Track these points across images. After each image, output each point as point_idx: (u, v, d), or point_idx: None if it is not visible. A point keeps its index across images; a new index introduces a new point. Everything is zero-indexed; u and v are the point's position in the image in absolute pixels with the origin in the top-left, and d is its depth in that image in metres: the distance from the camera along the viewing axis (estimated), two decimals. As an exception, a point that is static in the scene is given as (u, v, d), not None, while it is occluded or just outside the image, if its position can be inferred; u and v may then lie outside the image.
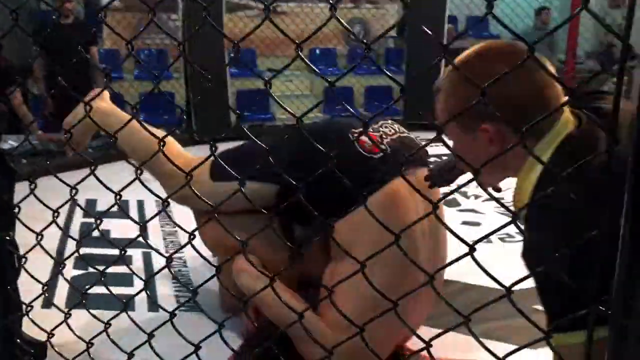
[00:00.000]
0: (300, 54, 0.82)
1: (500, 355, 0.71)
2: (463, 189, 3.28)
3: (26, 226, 0.95)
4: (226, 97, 4.62)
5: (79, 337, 1.03)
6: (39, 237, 0.95)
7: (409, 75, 5.25)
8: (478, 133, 0.94)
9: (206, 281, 1.03)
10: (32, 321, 1.01)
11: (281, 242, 1.10)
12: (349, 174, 0.90)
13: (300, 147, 1.50)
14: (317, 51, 7.17)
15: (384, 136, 1.60)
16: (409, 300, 0.91)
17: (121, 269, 1.41)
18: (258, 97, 5.98)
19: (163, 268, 1.06)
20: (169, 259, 1.02)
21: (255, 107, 6.06)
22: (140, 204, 2.94)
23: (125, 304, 1.04)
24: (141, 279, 1.08)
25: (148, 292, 1.67)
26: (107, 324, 1.01)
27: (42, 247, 0.96)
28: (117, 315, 1.03)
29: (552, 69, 0.85)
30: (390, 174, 1.46)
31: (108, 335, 1.00)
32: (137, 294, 1.14)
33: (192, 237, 0.97)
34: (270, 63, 6.63)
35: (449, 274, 1.68)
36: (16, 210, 0.96)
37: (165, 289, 2.05)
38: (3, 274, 0.98)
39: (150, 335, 0.99)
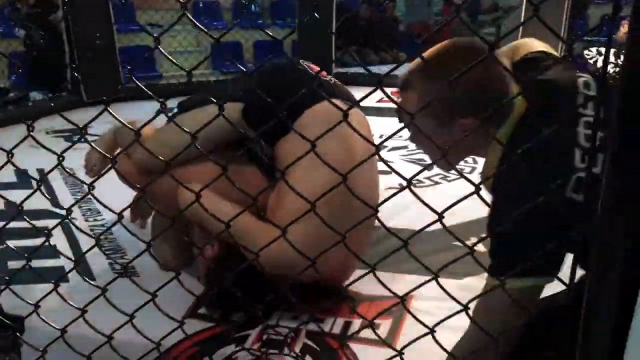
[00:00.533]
0: (186, 13, 0.83)
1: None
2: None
3: None
4: (115, 55, 4.34)
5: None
6: None
7: (300, 28, 5.25)
8: (455, 126, 1.04)
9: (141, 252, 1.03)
10: (16, 295, 0.96)
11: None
12: (301, 85, 1.06)
13: (259, 76, 1.67)
14: (201, 4, 6.91)
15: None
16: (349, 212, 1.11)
17: (40, 240, 1.27)
18: (144, 54, 5.69)
19: (91, 248, 1.03)
20: (97, 239, 0.99)
21: (140, 65, 5.78)
22: (42, 173, 2.74)
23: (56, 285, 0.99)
24: (70, 259, 1.05)
25: (79, 270, 1.63)
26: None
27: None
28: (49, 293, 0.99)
29: (506, 62, 1.08)
30: (335, 95, 1.64)
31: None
32: (69, 271, 1.09)
33: (120, 216, 0.95)
34: (149, 17, 6.31)
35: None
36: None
37: (97, 258, 1.97)
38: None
39: (84, 311, 0.97)
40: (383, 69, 5.52)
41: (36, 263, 1.50)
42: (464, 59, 0.92)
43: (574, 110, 1.03)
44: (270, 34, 0.92)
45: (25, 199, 1.02)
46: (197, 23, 0.93)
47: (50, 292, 0.99)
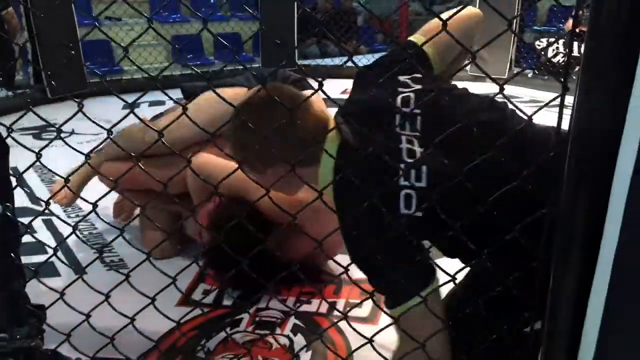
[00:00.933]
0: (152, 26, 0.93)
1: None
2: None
3: None
4: (79, 50, 4.30)
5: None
6: None
7: (263, 21, 5.31)
8: (271, 175, 1.11)
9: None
10: (41, 282, 1.04)
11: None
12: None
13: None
14: (158, -4, 6.84)
15: None
16: None
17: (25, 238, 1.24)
18: (104, 48, 5.63)
19: (69, 235, 1.10)
20: (75, 227, 1.05)
21: (100, 59, 5.71)
22: (15, 171, 2.75)
23: (35, 272, 1.04)
24: (53, 247, 1.10)
25: (65, 260, 1.70)
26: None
27: None
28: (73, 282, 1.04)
29: (321, 106, 1.15)
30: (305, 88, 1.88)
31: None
32: (49, 257, 1.14)
33: (95, 206, 1.04)
34: (108, 11, 6.22)
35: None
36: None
37: (86, 254, 2.03)
38: (7, 244, 0.99)
39: (107, 296, 1.05)
40: (344, 60, 5.59)
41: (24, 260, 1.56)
42: (271, 113, 1.04)
43: (393, 130, 1.08)
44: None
45: (22, 173, 1.04)
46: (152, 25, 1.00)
47: (74, 281, 1.07)
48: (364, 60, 5.63)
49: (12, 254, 0.99)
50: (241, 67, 5.40)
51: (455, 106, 1.12)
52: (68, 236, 1.13)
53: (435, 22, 1.27)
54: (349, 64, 0.93)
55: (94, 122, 1.04)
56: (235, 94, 1.79)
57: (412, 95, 1.13)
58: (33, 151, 1.02)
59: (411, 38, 1.31)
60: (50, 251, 1.09)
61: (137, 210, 2.27)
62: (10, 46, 4.27)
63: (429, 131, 1.07)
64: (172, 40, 6.45)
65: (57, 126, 0.99)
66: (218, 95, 0.98)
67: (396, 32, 6.97)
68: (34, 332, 1.05)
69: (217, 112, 1.62)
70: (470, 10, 1.35)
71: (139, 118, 1.11)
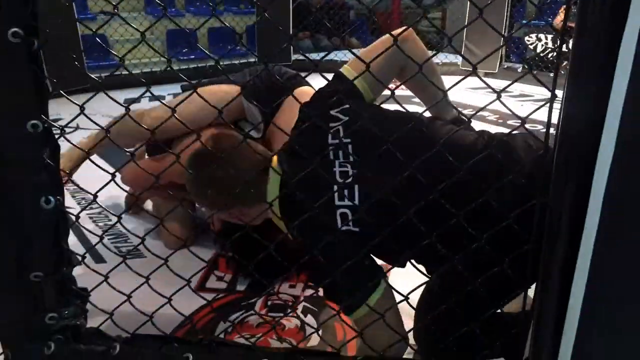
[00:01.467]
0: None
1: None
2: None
3: None
4: (79, 45, 4.38)
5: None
6: None
7: (259, 15, 5.41)
8: (228, 217, 1.36)
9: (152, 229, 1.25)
10: (88, 267, 1.16)
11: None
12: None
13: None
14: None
15: None
16: None
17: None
18: (99, 43, 5.68)
19: (98, 243, 1.26)
20: (101, 237, 1.19)
21: (96, 53, 5.77)
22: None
23: (83, 257, 1.16)
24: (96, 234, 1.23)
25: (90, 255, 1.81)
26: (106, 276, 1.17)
27: None
28: (118, 265, 1.17)
29: (259, 148, 1.37)
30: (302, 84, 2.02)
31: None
32: (94, 246, 1.29)
33: (95, 197, 1.13)
34: (100, 6, 6.28)
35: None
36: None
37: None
38: (59, 233, 1.10)
39: (147, 278, 1.17)
40: (338, 55, 5.72)
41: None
42: (210, 168, 1.27)
43: (327, 160, 1.24)
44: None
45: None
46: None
47: (119, 264, 1.19)
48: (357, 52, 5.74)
49: (62, 243, 1.11)
50: (237, 61, 5.52)
51: (380, 128, 1.19)
52: (97, 243, 1.26)
53: (363, 53, 1.43)
54: (344, 58, 1.05)
55: (94, 121, 1.16)
56: (227, 91, 1.90)
57: (340, 127, 1.28)
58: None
59: (342, 70, 1.43)
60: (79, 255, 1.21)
61: (149, 203, 2.40)
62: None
63: (360, 155, 1.23)
64: (167, 34, 6.53)
65: (61, 126, 1.10)
66: (193, 95, 1.11)
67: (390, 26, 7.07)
68: (79, 312, 1.17)
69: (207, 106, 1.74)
70: (400, 36, 1.47)
71: (134, 119, 1.24)
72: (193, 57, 6.48)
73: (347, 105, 1.31)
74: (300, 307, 1.73)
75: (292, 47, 5.34)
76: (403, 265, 1.29)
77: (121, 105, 1.13)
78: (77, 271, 1.17)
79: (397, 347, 1.16)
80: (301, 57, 5.47)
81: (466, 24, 0.99)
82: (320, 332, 1.52)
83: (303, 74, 2.08)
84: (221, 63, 1.16)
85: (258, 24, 5.36)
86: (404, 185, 1.05)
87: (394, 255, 1.24)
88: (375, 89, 1.40)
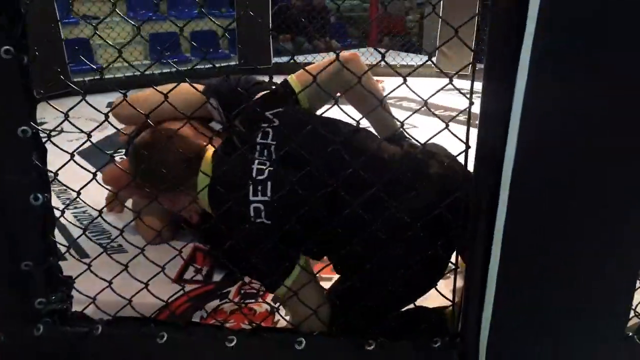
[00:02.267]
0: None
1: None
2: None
3: None
4: (62, 49, 4.49)
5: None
6: None
7: (239, 18, 5.52)
8: (163, 202, 1.45)
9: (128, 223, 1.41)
10: (73, 256, 1.30)
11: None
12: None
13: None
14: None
15: None
16: None
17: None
18: (82, 47, 5.79)
19: (80, 236, 1.38)
20: (85, 230, 1.37)
21: (80, 57, 5.87)
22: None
23: (68, 248, 1.34)
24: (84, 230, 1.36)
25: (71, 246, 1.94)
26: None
27: None
28: (99, 255, 1.32)
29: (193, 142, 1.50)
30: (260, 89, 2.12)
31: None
32: (66, 251, 1.35)
33: (78, 194, 1.27)
34: (86, 9, 6.36)
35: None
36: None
37: (85, 239, 2.27)
38: (46, 227, 1.24)
39: (126, 266, 1.30)
40: (317, 57, 5.84)
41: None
42: (148, 155, 1.47)
43: (249, 157, 1.41)
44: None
45: (61, 167, 1.27)
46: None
47: (100, 254, 1.33)
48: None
49: (49, 236, 1.25)
50: (217, 65, 5.64)
51: (304, 133, 1.37)
52: (79, 237, 1.40)
53: (311, 68, 1.56)
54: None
55: (77, 127, 1.29)
56: (193, 91, 1.91)
57: (270, 130, 1.46)
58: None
59: (287, 78, 1.62)
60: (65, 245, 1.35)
61: (129, 202, 2.52)
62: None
63: (278, 155, 1.41)
64: (150, 38, 6.64)
65: (47, 131, 1.24)
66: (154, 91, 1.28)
67: (367, 28, 7.24)
68: (65, 297, 1.31)
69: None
70: (344, 56, 1.65)
71: (116, 128, 1.41)
72: (176, 60, 6.56)
73: (281, 109, 1.49)
74: (270, 295, 1.87)
75: (272, 50, 5.46)
76: (318, 258, 1.52)
77: (99, 111, 1.26)
78: (62, 265, 1.32)
79: (320, 311, 1.36)
80: (281, 60, 5.60)
81: (439, 36, 1.14)
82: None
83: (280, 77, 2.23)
84: (202, 66, 1.31)
85: (238, 27, 5.47)
86: (313, 184, 1.29)
87: (305, 247, 1.40)
88: (313, 100, 1.59)
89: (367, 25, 7.24)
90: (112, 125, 1.47)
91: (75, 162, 1.44)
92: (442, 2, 5.07)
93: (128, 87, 2.27)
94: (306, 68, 1.46)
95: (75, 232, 2.30)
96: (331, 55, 1.29)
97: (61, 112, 1.23)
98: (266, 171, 1.37)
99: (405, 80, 1.14)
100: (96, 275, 1.31)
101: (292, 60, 1.47)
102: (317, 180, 1.30)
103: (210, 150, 1.48)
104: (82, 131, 1.38)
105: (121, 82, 4.92)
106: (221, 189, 1.34)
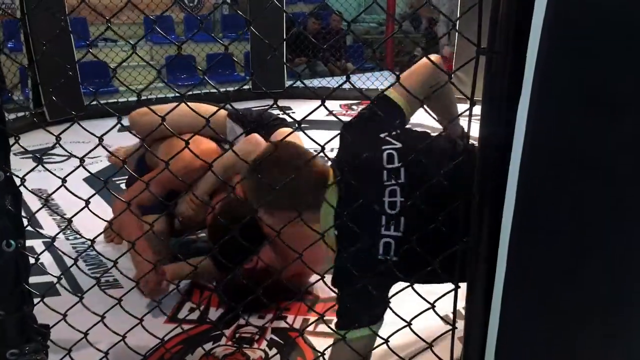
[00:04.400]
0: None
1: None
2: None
3: None
4: (76, 73, 4.50)
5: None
6: None
7: (253, 42, 5.51)
8: (280, 220, 1.36)
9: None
10: (47, 306, 1.24)
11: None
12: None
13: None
14: (153, 18, 7.05)
15: None
16: None
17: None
18: (100, 70, 5.83)
19: (71, 266, 1.39)
20: (76, 260, 1.31)
21: (97, 80, 5.92)
22: (18, 194, 2.94)
23: (42, 297, 1.27)
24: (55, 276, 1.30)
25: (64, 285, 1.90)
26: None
27: None
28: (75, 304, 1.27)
29: (314, 162, 1.38)
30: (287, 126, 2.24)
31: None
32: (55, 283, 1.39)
33: (70, 221, 1.29)
34: (100, 32, 6.42)
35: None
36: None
37: (81, 273, 2.21)
38: (19, 274, 1.18)
39: (103, 317, 1.26)
40: (332, 82, 5.79)
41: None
42: (275, 170, 1.31)
43: (380, 185, 1.31)
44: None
45: (36, 212, 1.25)
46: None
47: (76, 304, 1.26)
48: (353, 78, 5.79)
49: (23, 283, 1.18)
50: (232, 89, 5.62)
51: (429, 157, 1.30)
52: (70, 267, 1.35)
53: (405, 76, 1.51)
54: (340, 84, 1.13)
55: (70, 153, 1.24)
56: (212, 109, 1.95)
57: (394, 153, 1.35)
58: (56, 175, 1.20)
59: (386, 93, 1.50)
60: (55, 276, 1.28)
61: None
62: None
63: (409, 183, 1.30)
64: (166, 60, 6.67)
65: (21, 177, 1.18)
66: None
67: (383, 52, 7.19)
68: (40, 347, 1.24)
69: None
70: (425, 60, 1.55)
71: (108, 150, 1.35)
72: (192, 82, 6.56)
73: (398, 132, 1.41)
74: (266, 340, 1.78)
75: (285, 73, 5.43)
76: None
77: (95, 136, 1.20)
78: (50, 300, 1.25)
79: None
80: (295, 84, 5.54)
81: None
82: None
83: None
84: (219, 90, 1.26)
85: (253, 50, 5.45)
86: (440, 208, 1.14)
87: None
88: (413, 109, 1.51)
89: (382, 48, 7.18)
90: (104, 147, 1.37)
91: (66, 187, 1.35)
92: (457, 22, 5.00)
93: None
94: (402, 76, 1.44)
95: (75, 268, 2.23)
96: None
97: (54, 134, 1.19)
98: (398, 203, 1.27)
99: (422, 104, 1.18)
100: (70, 326, 1.24)
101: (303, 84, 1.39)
102: (441, 201, 1.14)
103: (331, 172, 1.39)
104: (73, 155, 1.31)
105: (134, 105, 4.89)
106: (349, 220, 1.22)
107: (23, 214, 1.23)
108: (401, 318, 1.21)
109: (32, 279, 2.08)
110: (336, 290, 1.31)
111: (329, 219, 1.31)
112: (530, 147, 0.84)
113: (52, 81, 4.14)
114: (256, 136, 2.02)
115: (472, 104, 0.98)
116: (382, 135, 1.40)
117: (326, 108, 1.10)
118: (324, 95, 1.13)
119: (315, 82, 5.89)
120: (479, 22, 0.93)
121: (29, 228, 2.50)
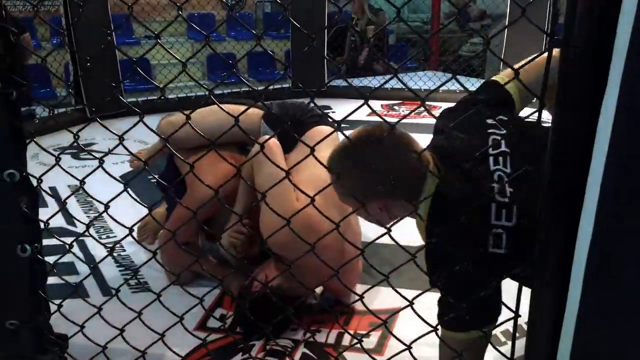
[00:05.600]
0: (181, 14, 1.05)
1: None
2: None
3: None
4: (117, 70, 4.50)
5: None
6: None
7: (294, 40, 5.43)
8: (369, 207, 1.22)
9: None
10: (64, 317, 1.15)
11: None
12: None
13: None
14: (196, 15, 7.07)
15: None
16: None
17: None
18: (140, 67, 5.84)
19: (104, 258, 1.29)
20: (112, 249, 1.22)
21: (138, 77, 5.93)
22: (54, 191, 2.92)
23: (59, 306, 1.18)
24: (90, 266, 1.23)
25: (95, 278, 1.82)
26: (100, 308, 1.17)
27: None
28: (64, 299, 1.18)
29: (417, 146, 1.22)
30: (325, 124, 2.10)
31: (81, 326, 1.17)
32: (83, 279, 1.30)
33: (131, 230, 1.21)
34: (144, 30, 6.45)
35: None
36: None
37: (111, 273, 2.15)
38: (34, 280, 1.10)
39: (122, 330, 1.17)
40: (373, 82, 5.64)
41: (53, 280, 1.66)
42: (375, 152, 1.17)
43: (486, 171, 1.17)
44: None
45: (52, 216, 1.15)
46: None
47: (94, 315, 1.17)
48: (393, 80, 5.63)
49: (39, 290, 1.10)
50: (272, 87, 5.55)
51: (533, 146, 1.16)
52: (103, 259, 1.31)
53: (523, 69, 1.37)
54: (379, 84, 1.02)
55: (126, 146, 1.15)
56: (247, 112, 1.80)
57: (501, 139, 1.22)
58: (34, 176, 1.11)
59: (495, 78, 1.41)
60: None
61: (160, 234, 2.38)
62: (26, 69, 4.47)
63: (515, 171, 1.17)
64: (208, 58, 6.65)
65: (38, 177, 1.09)
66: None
67: (428, 52, 6.99)
68: (56, 359, 1.16)
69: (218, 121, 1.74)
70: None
71: (130, 152, 1.28)
72: (233, 80, 6.52)
73: (504, 117, 1.28)
74: (298, 354, 1.67)
75: (326, 72, 5.32)
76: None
77: (116, 134, 1.11)
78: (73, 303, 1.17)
79: None
80: (335, 83, 5.43)
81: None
82: None
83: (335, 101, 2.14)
84: (257, 88, 1.16)
85: (293, 49, 5.36)
86: None
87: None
88: (524, 101, 1.38)
89: (427, 47, 6.97)
90: (125, 148, 1.28)
91: (83, 189, 1.27)
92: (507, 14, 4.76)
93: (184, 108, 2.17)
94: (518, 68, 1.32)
95: (105, 267, 2.17)
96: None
97: (115, 133, 1.13)
98: (507, 191, 1.14)
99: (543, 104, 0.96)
100: (107, 322, 1.16)
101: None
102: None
103: (431, 158, 1.27)
104: (94, 157, 1.23)
105: (175, 102, 4.87)
106: (452, 205, 1.13)
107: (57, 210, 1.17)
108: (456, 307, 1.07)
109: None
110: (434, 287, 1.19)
111: (426, 207, 1.20)
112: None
113: (92, 78, 4.15)
114: (270, 143, 1.84)
115: (542, 105, 0.84)
116: (488, 121, 1.28)
117: (370, 107, 0.98)
118: (364, 93, 1.00)
119: (356, 81, 5.75)
120: (553, 10, 0.79)
121: (63, 225, 2.55)
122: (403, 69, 6.11)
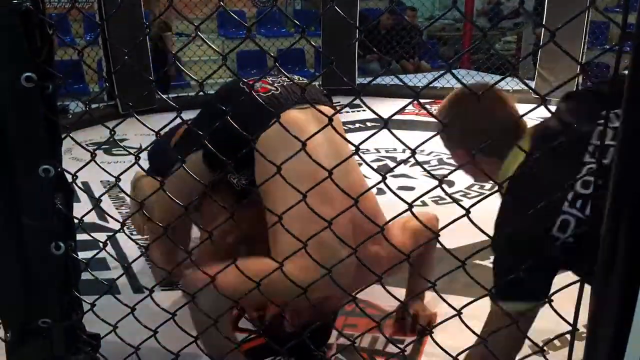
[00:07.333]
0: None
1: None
2: (391, 154, 3.56)
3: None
4: (149, 66, 4.52)
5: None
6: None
7: (324, 37, 5.37)
8: (453, 154, 1.41)
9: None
10: (97, 316, 1.13)
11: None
12: (248, 116, 1.39)
13: (209, 109, 1.72)
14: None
15: (275, 82, 1.68)
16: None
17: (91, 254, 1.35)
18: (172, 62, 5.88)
19: (137, 258, 1.31)
20: (146, 249, 1.20)
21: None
22: (86, 186, 2.93)
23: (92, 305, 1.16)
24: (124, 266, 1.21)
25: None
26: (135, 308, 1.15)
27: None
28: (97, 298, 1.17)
29: (514, 105, 1.31)
30: (285, 107, 1.58)
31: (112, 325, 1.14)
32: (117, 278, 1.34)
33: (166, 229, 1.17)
34: (175, 27, 6.49)
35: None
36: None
37: (141, 267, 2.15)
38: (68, 279, 1.08)
39: (155, 332, 1.15)
40: (405, 79, 5.55)
41: (83, 275, 1.63)
42: (470, 106, 1.27)
43: (579, 159, 1.16)
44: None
45: (86, 213, 1.13)
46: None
47: (127, 315, 1.15)
48: (427, 77, 5.59)
49: (72, 289, 1.08)
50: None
51: None
52: (136, 259, 1.31)
53: None
54: (410, 82, 0.98)
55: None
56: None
57: (610, 132, 1.17)
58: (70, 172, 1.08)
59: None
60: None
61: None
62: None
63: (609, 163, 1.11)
64: (238, 55, 6.66)
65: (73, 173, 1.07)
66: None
67: (459, 50, 6.87)
68: (89, 359, 1.14)
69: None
70: None
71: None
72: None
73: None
74: (332, 357, 1.63)
75: (356, 70, 5.26)
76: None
77: (153, 130, 1.08)
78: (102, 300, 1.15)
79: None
80: (365, 81, 5.37)
81: (534, 49, 0.87)
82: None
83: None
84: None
85: (323, 46, 5.31)
86: None
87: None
88: None
89: (459, 46, 6.86)
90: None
91: (119, 186, 1.23)
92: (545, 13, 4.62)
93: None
94: None
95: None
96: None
97: (149, 128, 1.09)
98: (591, 186, 1.14)
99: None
100: (140, 322, 1.13)
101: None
102: None
103: (528, 127, 1.32)
104: (130, 153, 1.20)
105: (203, 98, 4.87)
106: (539, 181, 1.14)
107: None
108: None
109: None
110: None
111: (510, 171, 1.24)
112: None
113: (125, 74, 4.17)
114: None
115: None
116: (603, 113, 1.21)
117: (421, 104, 0.93)
118: (394, 92, 0.96)
119: (387, 79, 5.67)
120: (625, 3, 0.73)
121: (95, 221, 2.55)
122: (435, 67, 6.02)
